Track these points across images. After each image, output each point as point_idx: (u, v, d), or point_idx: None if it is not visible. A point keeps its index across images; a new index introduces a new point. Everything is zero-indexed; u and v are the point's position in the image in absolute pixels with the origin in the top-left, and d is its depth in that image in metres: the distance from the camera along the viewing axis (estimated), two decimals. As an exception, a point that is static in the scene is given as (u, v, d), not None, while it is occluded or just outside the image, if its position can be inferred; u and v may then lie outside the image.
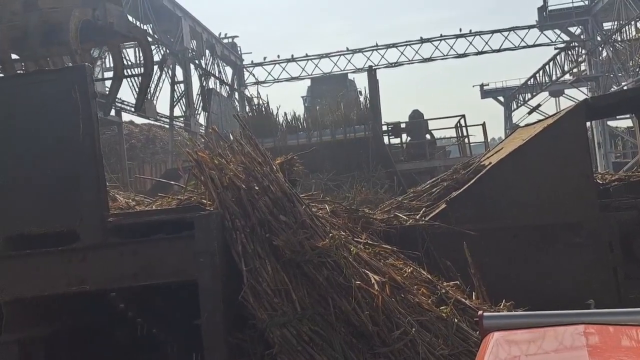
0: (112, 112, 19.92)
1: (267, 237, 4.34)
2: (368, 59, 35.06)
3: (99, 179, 4.56)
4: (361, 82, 33.90)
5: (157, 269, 4.37)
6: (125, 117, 21.66)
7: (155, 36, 22.43)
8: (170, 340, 5.23)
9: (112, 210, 5.05)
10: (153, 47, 23.33)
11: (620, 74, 28.07)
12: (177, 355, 5.12)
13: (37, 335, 4.59)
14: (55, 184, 4.59)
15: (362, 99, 20.09)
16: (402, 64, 35.91)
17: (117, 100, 19.79)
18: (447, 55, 35.09)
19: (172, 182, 6.48)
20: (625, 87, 25.59)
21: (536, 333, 1.89)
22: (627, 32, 27.24)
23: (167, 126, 23.55)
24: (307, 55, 34.66)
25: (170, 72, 23.94)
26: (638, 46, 26.06)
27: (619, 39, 28.11)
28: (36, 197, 4.59)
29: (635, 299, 6.32)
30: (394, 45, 35.69)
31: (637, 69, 26.32)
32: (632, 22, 26.47)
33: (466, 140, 19.16)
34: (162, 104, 23.59)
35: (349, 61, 35.08)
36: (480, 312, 2.24)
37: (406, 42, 35.51)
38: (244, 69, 33.19)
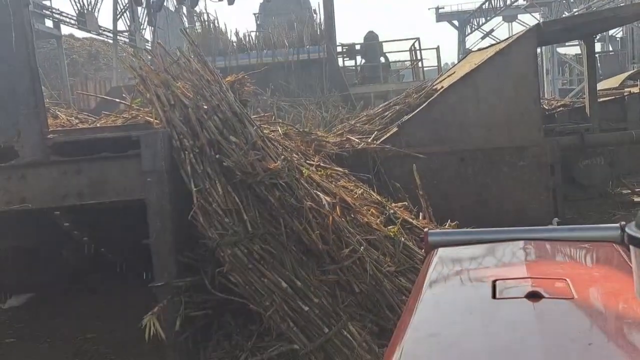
0: (50, 24, 18.69)
1: (217, 158, 4.26)
2: (323, -24, 33.80)
3: (35, 93, 4.31)
4: (315, 0, 32.84)
5: (103, 188, 4.26)
6: (65, 30, 20.36)
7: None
8: (118, 259, 5.21)
9: (53, 128, 4.83)
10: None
11: (572, 0, 28.23)
12: (126, 275, 5.11)
13: (-21, 255, 4.46)
14: (-11, 99, 4.31)
15: (316, 18, 19.55)
16: (358, -17, 34.93)
17: (55, 11, 18.55)
18: (404, -25, 34.24)
19: (118, 100, 6.20)
20: (576, 13, 25.82)
21: (478, 249, 1.96)
22: (582, -43, 27.17)
23: (111, 41, 22.32)
24: (259, -30, 33.02)
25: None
26: (592, -28, 26.10)
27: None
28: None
29: (572, 219, 6.69)
30: (350, -37, 34.49)
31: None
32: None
33: (420, 64, 19.09)
34: (104, 18, 22.27)
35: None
36: (426, 229, 2.29)
37: (363, -41, 34.33)
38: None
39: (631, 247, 1.22)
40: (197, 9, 23.40)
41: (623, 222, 1.70)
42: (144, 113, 5.32)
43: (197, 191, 4.06)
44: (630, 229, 1.22)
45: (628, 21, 16.06)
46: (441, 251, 1.98)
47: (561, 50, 31.21)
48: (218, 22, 18.35)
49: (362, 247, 4.23)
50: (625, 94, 9.09)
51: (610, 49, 32.43)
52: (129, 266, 5.15)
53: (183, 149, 4.25)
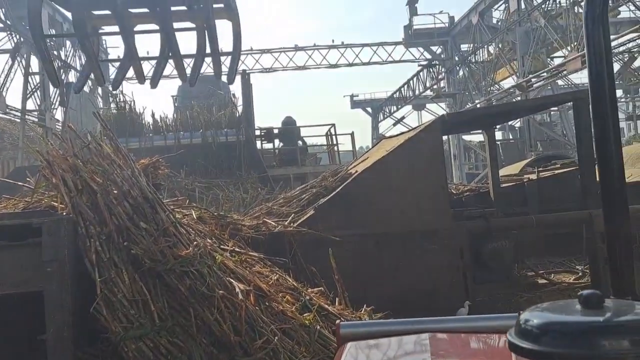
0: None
1: (125, 245, 4.09)
2: (242, 62, 34.96)
3: None
4: (235, 85, 33.62)
5: (-4, 280, 3.92)
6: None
7: (8, 22, 20.40)
8: (9, 358, 4.72)
9: (-58, 214, 4.46)
10: (5, 34, 21.24)
11: (474, 92, 30.71)
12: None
13: None
14: None
15: (235, 102, 19.93)
16: (277, 70, 36.33)
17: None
18: (320, 64, 36.08)
19: (20, 183, 5.88)
20: (478, 105, 28.04)
21: (386, 341, 1.97)
22: (481, 54, 29.93)
23: (18, 120, 21.46)
24: (179, 54, 33.56)
25: (24, 61, 21.86)
26: (490, 68, 28.72)
27: (474, 60, 30.79)
28: None
29: (482, 302, 6.89)
30: (269, 51, 35.95)
31: (489, 89, 28.98)
32: (485, 46, 29.12)
33: (336, 148, 19.76)
34: (13, 96, 21.50)
35: (223, 63, 34.67)
36: (337, 322, 2.28)
37: (281, 48, 35.96)
38: (109, 64, 31.22)
39: (512, 354, 1.14)
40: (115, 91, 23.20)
41: (521, 311, 1.77)
42: (49, 198, 5.07)
43: (102, 281, 3.84)
44: (511, 335, 1.15)
45: (524, 114, 17.56)
46: (350, 345, 1.98)
47: (466, 137, 33.51)
48: (134, 103, 18.21)
49: (276, 337, 4.11)
50: (525, 180, 9.77)
51: (511, 137, 35.21)
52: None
53: (89, 236, 4.06)
